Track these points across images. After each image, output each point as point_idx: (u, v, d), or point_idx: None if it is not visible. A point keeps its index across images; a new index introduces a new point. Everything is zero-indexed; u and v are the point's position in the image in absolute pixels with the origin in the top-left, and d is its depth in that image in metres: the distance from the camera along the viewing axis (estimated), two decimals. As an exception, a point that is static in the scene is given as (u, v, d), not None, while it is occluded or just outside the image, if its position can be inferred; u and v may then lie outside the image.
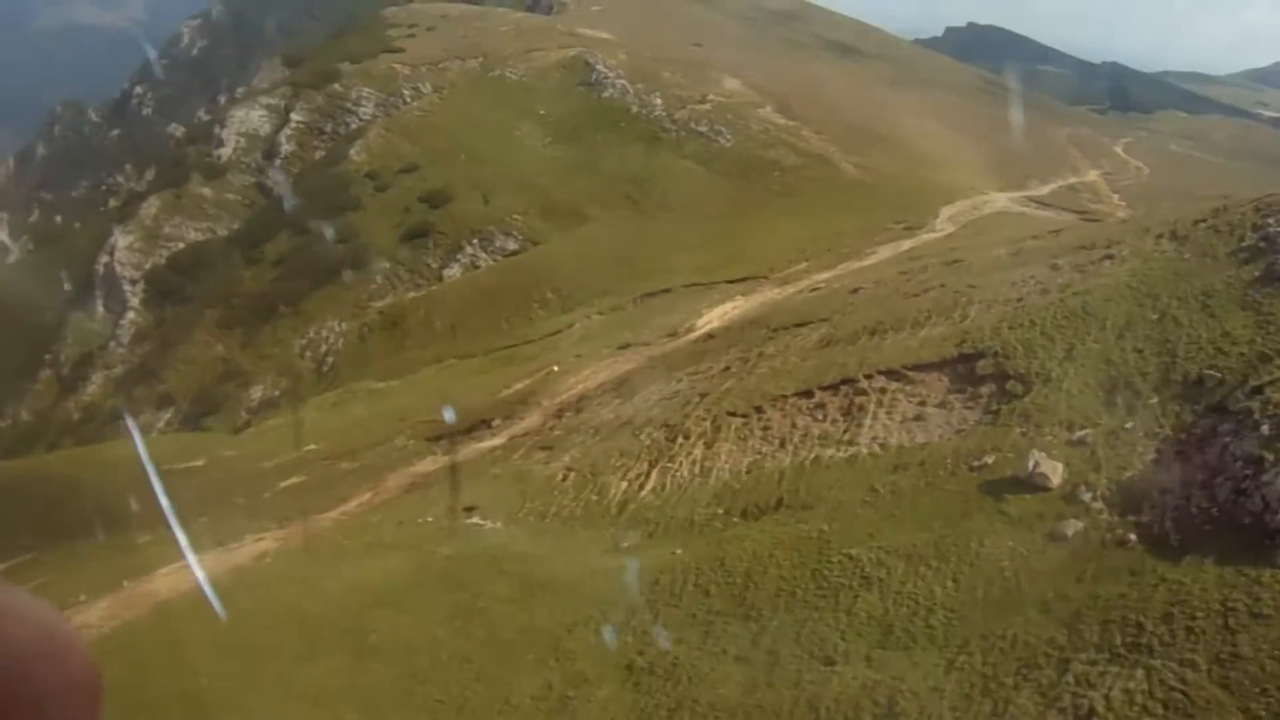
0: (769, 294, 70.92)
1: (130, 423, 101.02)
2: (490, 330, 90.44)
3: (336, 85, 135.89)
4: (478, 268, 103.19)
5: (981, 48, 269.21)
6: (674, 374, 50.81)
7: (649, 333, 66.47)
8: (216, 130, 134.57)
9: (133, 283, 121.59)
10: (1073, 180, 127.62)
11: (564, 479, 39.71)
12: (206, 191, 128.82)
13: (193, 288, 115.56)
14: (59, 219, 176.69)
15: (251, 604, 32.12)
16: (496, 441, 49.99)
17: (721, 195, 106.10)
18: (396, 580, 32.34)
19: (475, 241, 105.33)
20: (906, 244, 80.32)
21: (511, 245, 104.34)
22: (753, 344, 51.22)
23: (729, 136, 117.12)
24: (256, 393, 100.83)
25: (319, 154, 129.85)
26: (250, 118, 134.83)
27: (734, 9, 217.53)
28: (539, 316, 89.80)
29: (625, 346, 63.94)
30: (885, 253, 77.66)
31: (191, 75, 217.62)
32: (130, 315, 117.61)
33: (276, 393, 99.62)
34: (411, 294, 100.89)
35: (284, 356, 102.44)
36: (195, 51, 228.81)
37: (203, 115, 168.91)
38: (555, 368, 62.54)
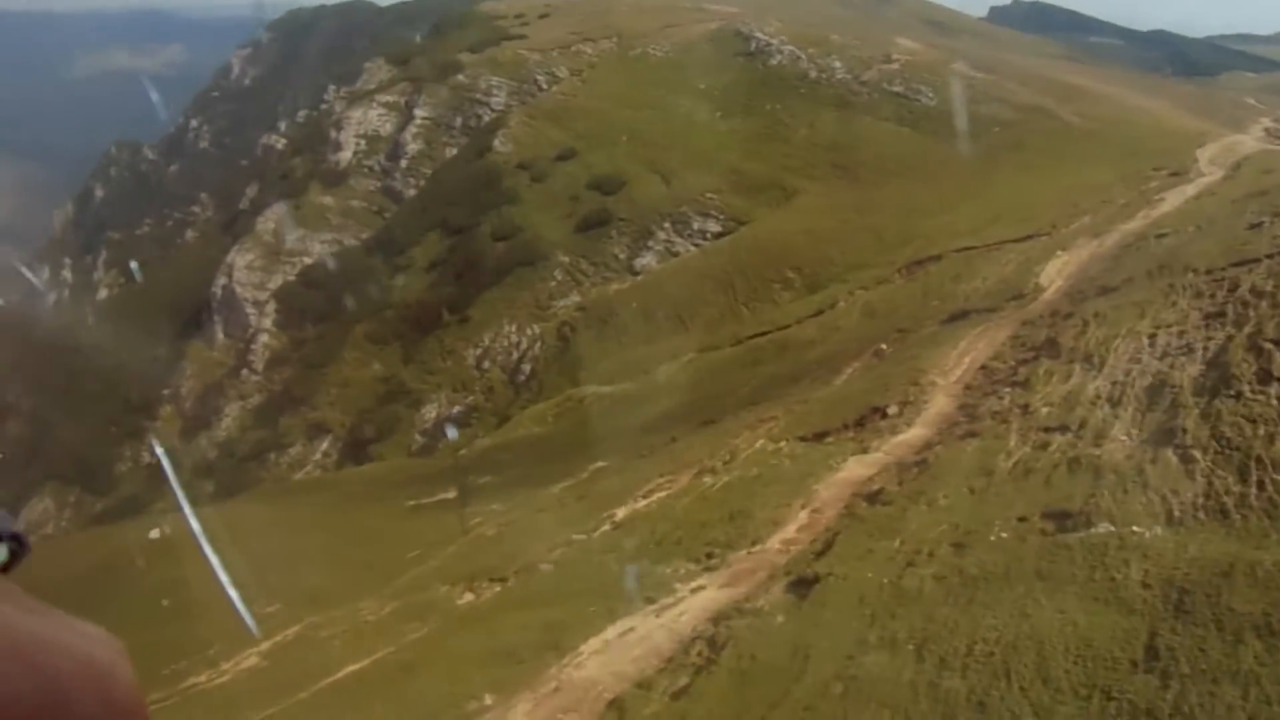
0: (1093, 247, 59.14)
1: (161, 452, 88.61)
2: (729, 318, 78.81)
3: (461, 77, 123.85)
4: (676, 254, 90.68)
5: (1031, 23, 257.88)
6: (1120, 328, 37.61)
7: (978, 299, 55.05)
8: (333, 134, 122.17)
9: (257, 304, 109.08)
10: (1267, 123, 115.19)
11: (1189, 462, 26.04)
12: (328, 200, 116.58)
13: (334, 303, 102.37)
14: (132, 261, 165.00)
15: (824, 692, 18.99)
16: (919, 432, 36.53)
17: (940, 155, 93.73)
18: (1109, 631, 18.21)
19: (667, 225, 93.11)
20: (1190, 189, 70.28)
21: (713, 226, 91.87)
22: (1201, 289, 38.30)
23: (930, 95, 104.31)
24: (430, 412, 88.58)
25: (450, 150, 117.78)
26: (369, 118, 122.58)
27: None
28: (783, 299, 78.19)
29: (962, 315, 51.58)
30: (1174, 199, 67.42)
31: (247, 104, 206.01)
32: (263, 339, 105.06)
33: (456, 409, 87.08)
34: (615, 286, 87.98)
35: (457, 369, 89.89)
36: (248, 81, 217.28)
37: (272, 140, 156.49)
38: (884, 346, 51.12)
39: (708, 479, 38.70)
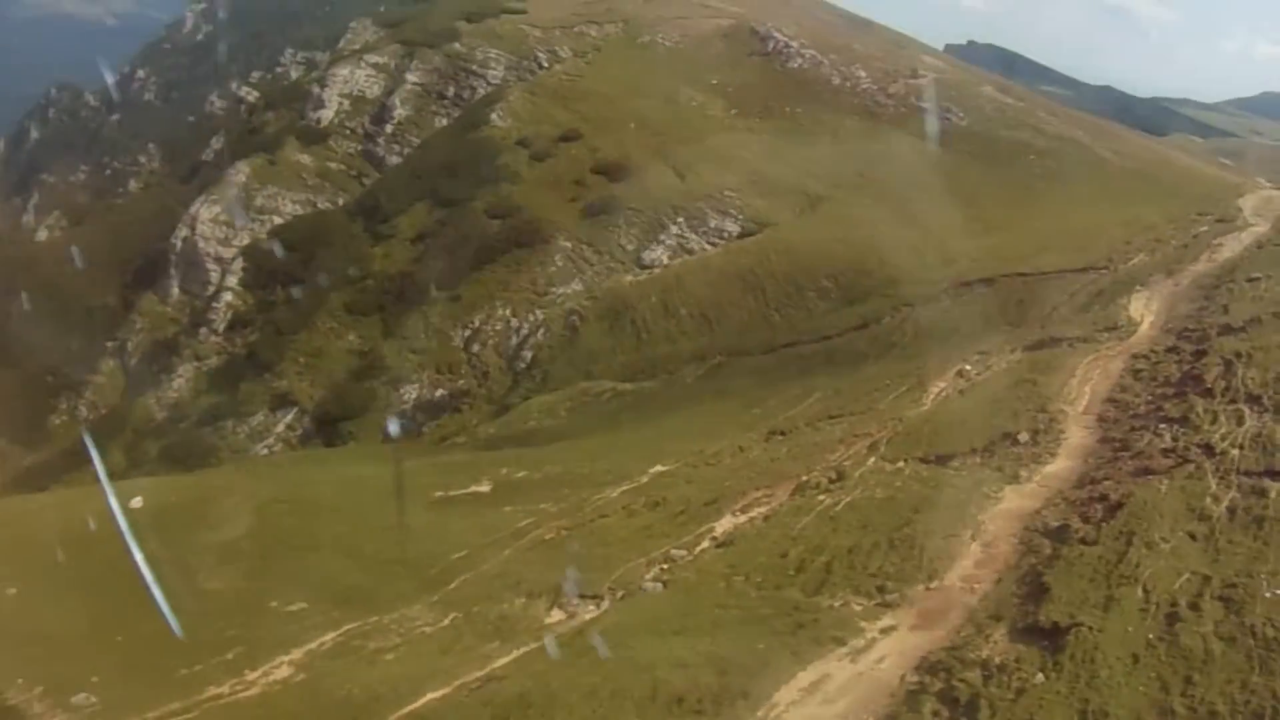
0: (1169, 285, 56.34)
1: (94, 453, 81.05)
2: (757, 323, 74.95)
3: (456, 45, 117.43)
4: (690, 250, 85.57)
5: (985, 64, 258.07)
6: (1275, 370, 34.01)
7: (1061, 327, 52.27)
8: (315, 91, 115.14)
9: (220, 260, 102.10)
10: (1264, 183, 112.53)
11: None
12: (305, 159, 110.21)
13: (308, 267, 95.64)
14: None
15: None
16: (1065, 464, 32.55)
17: (974, 178, 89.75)
18: None
19: (680, 220, 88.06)
20: (1244, 237, 67.64)
21: (731, 226, 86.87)
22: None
23: (960, 114, 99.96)
24: (410, 393, 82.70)
25: (440, 120, 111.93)
26: (356, 77, 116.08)
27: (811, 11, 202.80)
28: (819, 308, 74.14)
29: (1051, 342, 48.48)
30: (1231, 245, 65.17)
31: (199, 59, 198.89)
32: (226, 298, 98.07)
33: (441, 393, 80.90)
34: (629, 278, 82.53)
35: (443, 350, 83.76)
36: (200, 36, 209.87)
37: (241, 92, 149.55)
38: (968, 366, 47.90)
39: (823, 497, 34.17)
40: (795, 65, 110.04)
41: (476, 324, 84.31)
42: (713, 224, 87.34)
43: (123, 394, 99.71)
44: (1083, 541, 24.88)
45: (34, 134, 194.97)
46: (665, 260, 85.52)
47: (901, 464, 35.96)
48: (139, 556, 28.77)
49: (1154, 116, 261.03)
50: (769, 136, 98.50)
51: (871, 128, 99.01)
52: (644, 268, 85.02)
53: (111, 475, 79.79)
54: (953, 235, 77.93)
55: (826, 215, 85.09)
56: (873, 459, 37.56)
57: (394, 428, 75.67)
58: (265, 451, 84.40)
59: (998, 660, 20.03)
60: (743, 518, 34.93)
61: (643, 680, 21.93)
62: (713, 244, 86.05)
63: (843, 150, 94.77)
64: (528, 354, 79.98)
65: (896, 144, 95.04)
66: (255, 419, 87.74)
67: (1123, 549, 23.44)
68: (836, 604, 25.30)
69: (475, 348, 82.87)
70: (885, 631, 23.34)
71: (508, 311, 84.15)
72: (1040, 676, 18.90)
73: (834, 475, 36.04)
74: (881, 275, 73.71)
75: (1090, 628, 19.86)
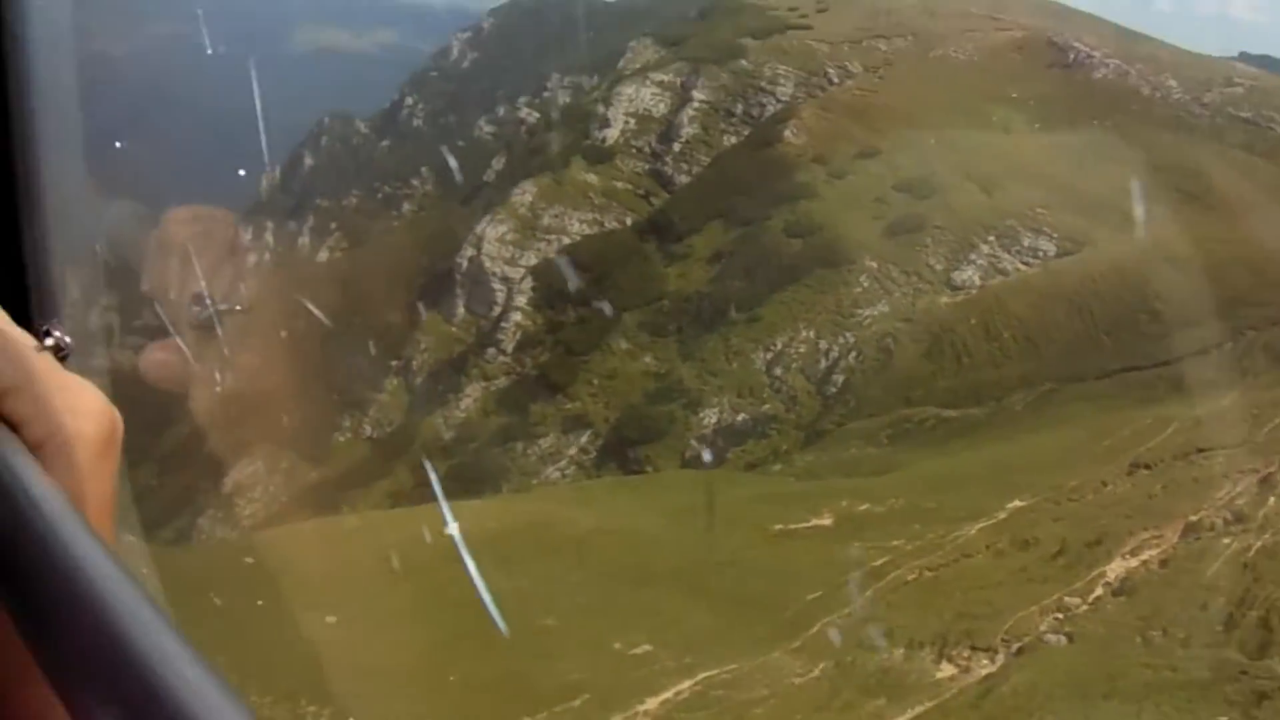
0: None
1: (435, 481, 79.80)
2: (1085, 347, 71.49)
3: (743, 62, 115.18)
4: (1003, 271, 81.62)
5: None
6: None
7: None
8: (600, 110, 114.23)
9: (506, 280, 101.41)
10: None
11: None
12: (591, 178, 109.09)
13: (598, 287, 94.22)
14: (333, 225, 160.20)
15: None
16: None
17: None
18: None
19: (991, 239, 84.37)
20: None
21: (1045, 245, 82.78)
22: None
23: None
24: (710, 416, 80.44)
25: (729, 138, 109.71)
26: (641, 96, 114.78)
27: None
28: (1152, 331, 69.32)
29: None
30: None
31: (465, 86, 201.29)
32: (515, 317, 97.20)
33: (743, 417, 78.24)
34: (945, 300, 78.88)
35: (743, 373, 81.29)
36: (466, 64, 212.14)
37: (484, 125, 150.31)
38: None
39: (1226, 540, 31.88)
40: (1099, 76, 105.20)
41: (779, 346, 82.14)
42: (1026, 243, 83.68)
43: (407, 413, 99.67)
44: None
45: (308, 160, 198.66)
46: (978, 281, 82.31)
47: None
48: (481, 586, 26.68)
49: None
50: (1077, 151, 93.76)
51: (1187, 140, 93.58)
52: (955, 289, 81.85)
53: (398, 496, 79.62)
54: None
55: (1148, 233, 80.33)
56: (1272, 499, 34.16)
57: (708, 455, 73.37)
58: (558, 475, 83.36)
59: None
60: (1134, 561, 32.71)
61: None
62: (1027, 264, 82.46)
63: (1159, 164, 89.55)
64: (838, 378, 77.37)
65: (1217, 157, 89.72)
66: (546, 441, 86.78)
67: None
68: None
69: (778, 370, 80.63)
70: None
71: (812, 333, 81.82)
72: None
73: (1229, 516, 33.84)
74: (1217, 297, 68.93)
75: None
